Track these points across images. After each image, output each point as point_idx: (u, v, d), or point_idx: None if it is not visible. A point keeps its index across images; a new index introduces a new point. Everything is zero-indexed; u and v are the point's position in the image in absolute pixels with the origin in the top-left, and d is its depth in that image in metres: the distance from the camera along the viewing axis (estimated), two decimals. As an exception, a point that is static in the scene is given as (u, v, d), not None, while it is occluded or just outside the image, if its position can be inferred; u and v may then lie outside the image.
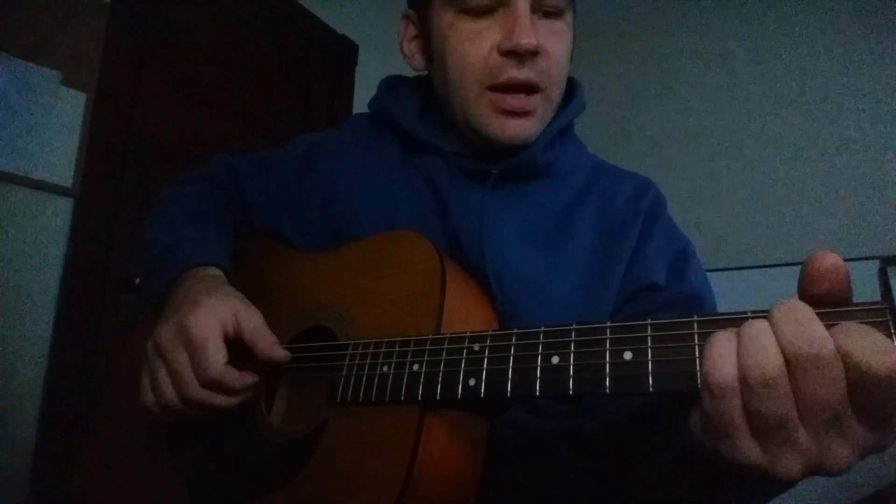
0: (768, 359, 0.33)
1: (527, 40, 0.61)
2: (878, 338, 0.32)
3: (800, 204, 2.28)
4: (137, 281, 0.70)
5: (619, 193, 0.70)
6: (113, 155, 1.65)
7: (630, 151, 2.49)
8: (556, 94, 0.67)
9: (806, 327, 0.33)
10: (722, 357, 0.34)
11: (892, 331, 0.33)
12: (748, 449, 0.34)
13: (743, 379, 0.33)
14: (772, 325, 0.34)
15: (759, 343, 0.33)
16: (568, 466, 0.57)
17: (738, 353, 0.34)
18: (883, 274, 0.34)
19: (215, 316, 0.58)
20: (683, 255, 0.66)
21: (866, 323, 0.33)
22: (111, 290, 1.62)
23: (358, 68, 2.45)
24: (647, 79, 2.71)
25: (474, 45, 0.63)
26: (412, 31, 0.73)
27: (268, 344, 0.58)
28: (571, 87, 0.73)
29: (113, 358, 1.57)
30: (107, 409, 0.77)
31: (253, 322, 0.59)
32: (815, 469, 0.34)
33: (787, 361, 0.33)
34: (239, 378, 0.57)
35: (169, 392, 0.58)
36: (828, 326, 0.33)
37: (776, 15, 2.44)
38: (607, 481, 0.55)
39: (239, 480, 0.59)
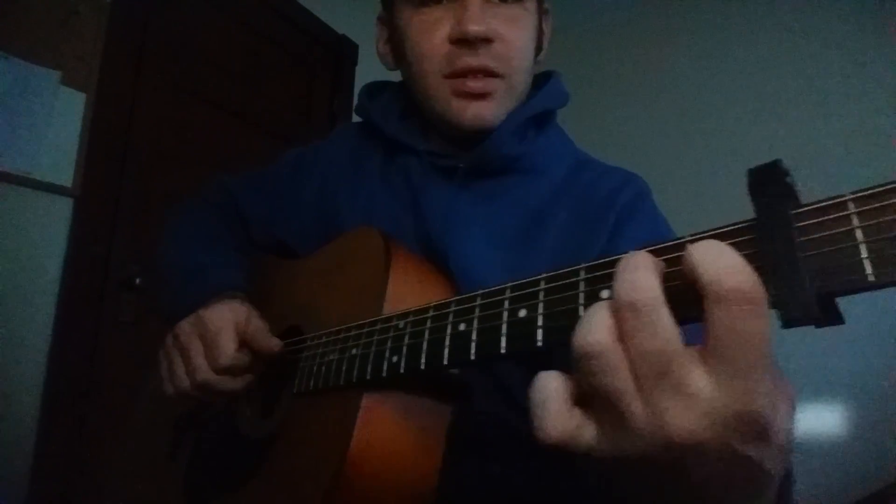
0: (599, 321, 0.29)
1: (474, 27, 0.60)
2: (731, 255, 0.27)
3: (800, 204, 2.28)
4: (160, 305, 0.75)
5: (598, 189, 0.67)
6: (113, 155, 1.65)
7: (629, 151, 2.49)
8: (519, 80, 0.67)
9: (634, 274, 0.29)
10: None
11: (755, 250, 0.29)
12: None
13: (573, 355, 0.30)
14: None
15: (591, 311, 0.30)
16: (544, 458, 0.57)
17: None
18: (754, 183, 0.30)
19: (230, 312, 0.63)
20: None
21: (734, 243, 0.29)
22: (111, 290, 1.62)
23: (358, 68, 2.45)
24: (646, 78, 2.71)
25: (429, 35, 0.64)
26: (385, 31, 0.74)
27: (263, 336, 0.62)
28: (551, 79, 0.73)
29: (112, 358, 1.58)
30: (134, 423, 0.83)
31: (258, 324, 0.63)
32: (655, 436, 0.28)
33: (616, 315, 0.29)
34: (248, 361, 0.61)
35: (183, 378, 0.62)
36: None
37: (777, 13, 2.44)
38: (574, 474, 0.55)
39: (220, 476, 0.62)
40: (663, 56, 2.69)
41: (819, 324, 0.27)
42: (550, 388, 0.31)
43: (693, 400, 0.27)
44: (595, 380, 0.29)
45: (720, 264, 0.27)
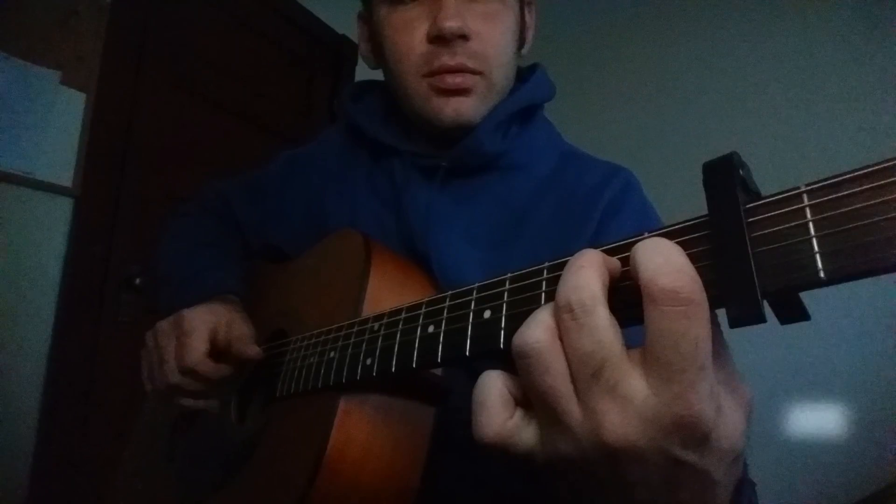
0: (539, 321, 0.29)
1: (450, 23, 0.60)
2: (669, 254, 0.26)
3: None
4: (159, 307, 0.75)
5: (584, 184, 0.66)
6: (113, 155, 1.65)
7: (628, 151, 2.49)
8: (499, 77, 0.66)
9: (575, 274, 0.29)
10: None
11: (706, 247, 0.28)
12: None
13: (513, 355, 0.29)
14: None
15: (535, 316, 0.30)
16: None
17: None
18: (708, 178, 0.28)
19: (209, 315, 0.62)
20: None
21: (683, 241, 0.28)
22: (111, 290, 1.63)
23: (358, 68, 2.45)
24: (647, 78, 2.71)
25: (406, 35, 0.63)
26: (366, 30, 0.73)
27: (242, 341, 0.61)
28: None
29: (112, 358, 1.58)
30: (137, 423, 0.84)
31: (240, 331, 0.62)
32: (590, 438, 0.28)
33: (555, 316, 0.29)
34: (213, 369, 0.60)
35: (157, 376, 0.62)
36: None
37: (778, 13, 2.44)
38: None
39: (207, 479, 0.62)
40: (664, 54, 2.69)
41: (785, 321, 0.27)
42: (490, 387, 0.31)
43: (627, 403, 0.26)
44: (533, 379, 0.29)
45: (655, 263, 0.26)
